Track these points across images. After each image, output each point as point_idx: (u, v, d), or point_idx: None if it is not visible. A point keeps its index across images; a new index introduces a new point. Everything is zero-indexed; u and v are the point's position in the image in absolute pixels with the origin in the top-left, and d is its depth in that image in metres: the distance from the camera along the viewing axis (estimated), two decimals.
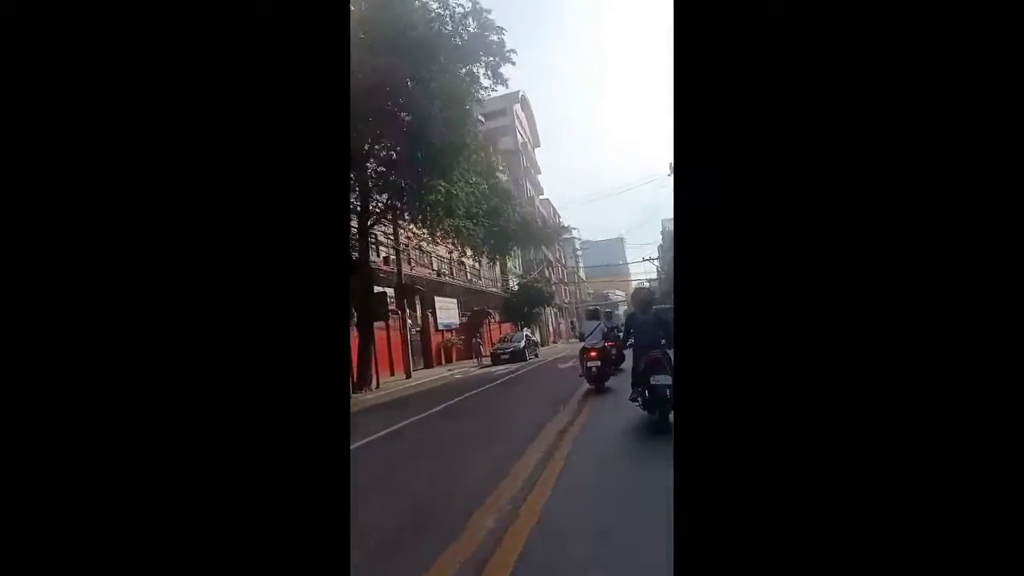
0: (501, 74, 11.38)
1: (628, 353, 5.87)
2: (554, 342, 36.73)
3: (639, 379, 4.72)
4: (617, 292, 71.39)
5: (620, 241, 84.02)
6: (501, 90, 11.59)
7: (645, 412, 4.69)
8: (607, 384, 7.27)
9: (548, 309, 37.63)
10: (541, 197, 48.62)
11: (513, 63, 11.36)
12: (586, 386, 7.51)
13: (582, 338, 7.88)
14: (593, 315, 8.49)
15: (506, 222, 13.85)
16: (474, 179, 11.77)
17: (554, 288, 35.10)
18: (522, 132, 43.87)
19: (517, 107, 43.13)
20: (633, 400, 4.93)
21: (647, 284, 66.12)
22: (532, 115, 48.39)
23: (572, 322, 53.25)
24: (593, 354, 7.13)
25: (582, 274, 68.58)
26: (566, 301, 51.96)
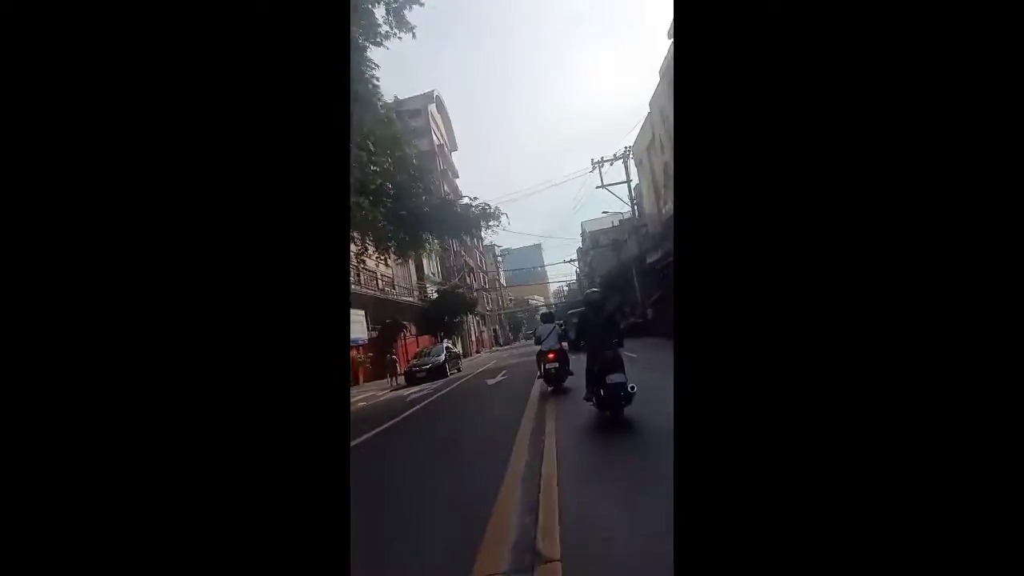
0: (406, 19, 8.77)
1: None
2: (477, 352, 34.11)
3: (594, 379, 4.69)
4: (536, 297, 71.67)
5: (538, 248, 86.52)
6: (407, 38, 8.93)
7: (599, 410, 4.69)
8: (564, 384, 7.24)
9: (470, 317, 35.01)
10: (460, 202, 46.15)
11: (422, 4, 8.80)
12: (532, 413, 5.99)
13: (538, 342, 7.77)
14: (548, 318, 8.24)
15: (417, 205, 10.96)
16: (372, 146, 8.94)
17: (476, 295, 32.51)
18: (438, 134, 41.20)
19: (432, 107, 40.44)
20: (588, 399, 4.95)
21: (566, 289, 66.10)
22: (448, 117, 45.83)
23: (495, 330, 51.00)
24: (551, 356, 7.16)
25: (503, 281, 67.21)
26: (488, 308, 49.63)
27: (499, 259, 60.26)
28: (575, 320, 7.23)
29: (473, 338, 36.22)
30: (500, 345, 47.91)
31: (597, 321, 4.93)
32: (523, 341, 53.22)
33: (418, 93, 38.62)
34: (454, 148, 47.56)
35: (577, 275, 62.23)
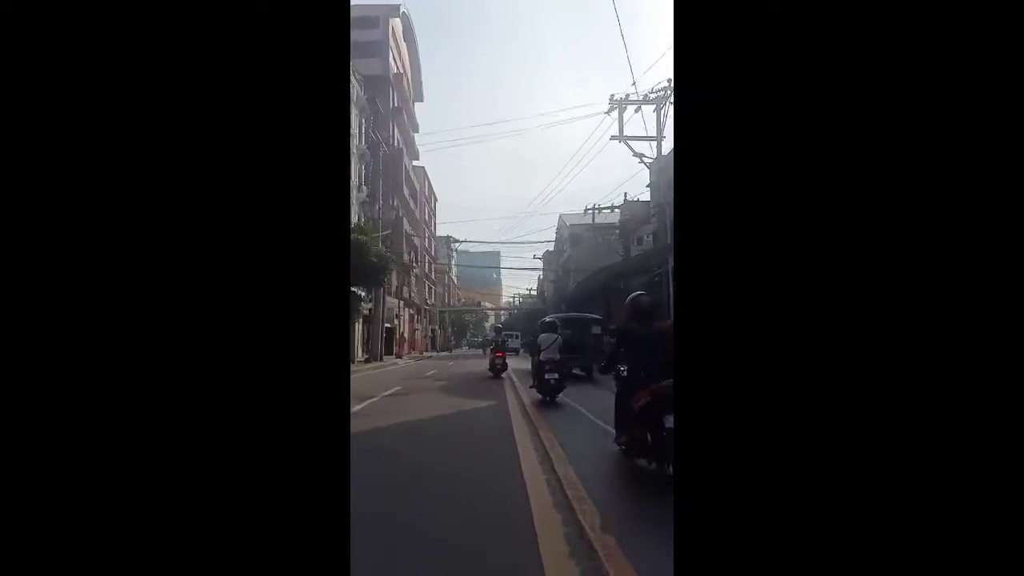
0: None
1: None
2: (397, 357, 22.57)
3: (636, 418, 3.11)
4: (487, 304, 62.97)
5: (496, 255, 78.36)
6: None
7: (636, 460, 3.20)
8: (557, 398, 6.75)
9: (395, 303, 23.70)
10: (415, 163, 35.00)
11: None
12: None
13: (537, 351, 7.33)
14: (550, 327, 7.80)
15: None
16: None
17: (395, 255, 20.55)
18: (397, 60, 29.93)
19: (396, 24, 29.45)
20: (620, 444, 3.40)
21: (517, 298, 56.31)
22: (416, 53, 34.79)
23: (434, 330, 39.53)
24: (551, 367, 6.88)
25: (454, 277, 56.69)
26: (429, 302, 38.31)
27: (453, 249, 49.39)
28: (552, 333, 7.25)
29: (397, 334, 24.67)
30: (437, 351, 36.42)
31: (645, 336, 3.24)
32: (466, 349, 42.22)
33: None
34: (419, 98, 36.42)
35: (540, 280, 52.10)
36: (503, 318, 56.12)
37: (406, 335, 28.66)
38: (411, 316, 31.56)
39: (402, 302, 26.97)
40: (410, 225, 31.58)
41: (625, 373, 3.31)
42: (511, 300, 60.01)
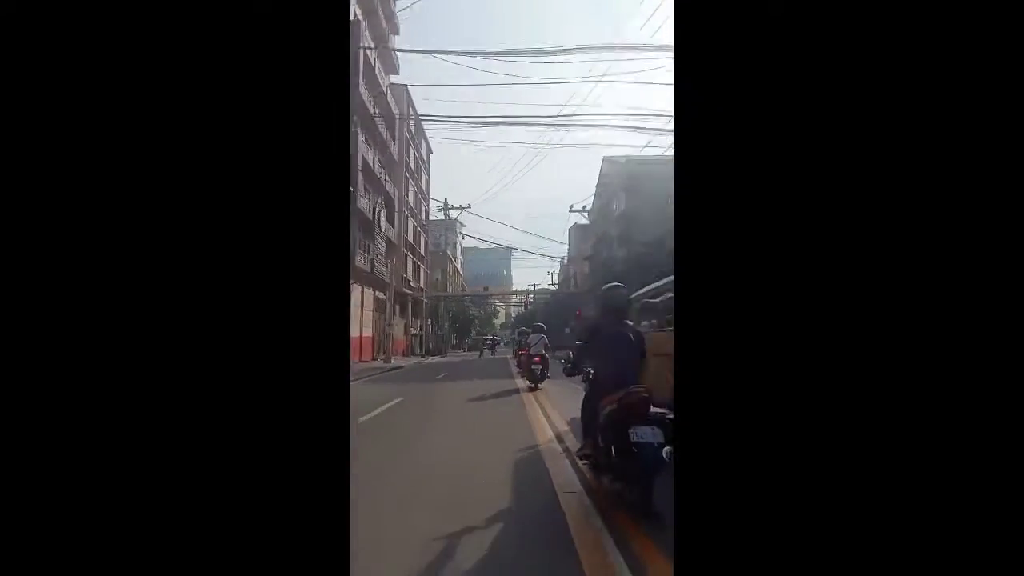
0: None
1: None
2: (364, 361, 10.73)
3: (601, 429, 2.53)
4: (499, 303, 51.53)
5: (507, 251, 66.96)
6: None
7: (599, 477, 2.71)
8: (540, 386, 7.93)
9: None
10: (393, 77, 23.46)
11: None
12: None
13: (524, 346, 9.88)
14: (539, 328, 10.16)
15: None
16: None
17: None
18: None
19: None
20: (582, 458, 2.87)
21: (533, 287, 44.39)
22: None
23: (422, 326, 27.59)
24: (537, 359, 8.73)
25: (459, 265, 45.23)
26: (413, 285, 26.54)
27: (461, 235, 37.86)
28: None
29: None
30: (423, 354, 24.44)
31: (616, 335, 2.69)
32: (468, 354, 30.03)
33: None
34: (393, 30, 24.76)
35: (564, 264, 40.14)
36: (513, 313, 44.72)
37: (360, 330, 16.87)
38: (376, 301, 19.80)
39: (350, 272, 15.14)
40: (380, 163, 19.92)
41: (593, 374, 2.87)
42: (531, 287, 48.12)
